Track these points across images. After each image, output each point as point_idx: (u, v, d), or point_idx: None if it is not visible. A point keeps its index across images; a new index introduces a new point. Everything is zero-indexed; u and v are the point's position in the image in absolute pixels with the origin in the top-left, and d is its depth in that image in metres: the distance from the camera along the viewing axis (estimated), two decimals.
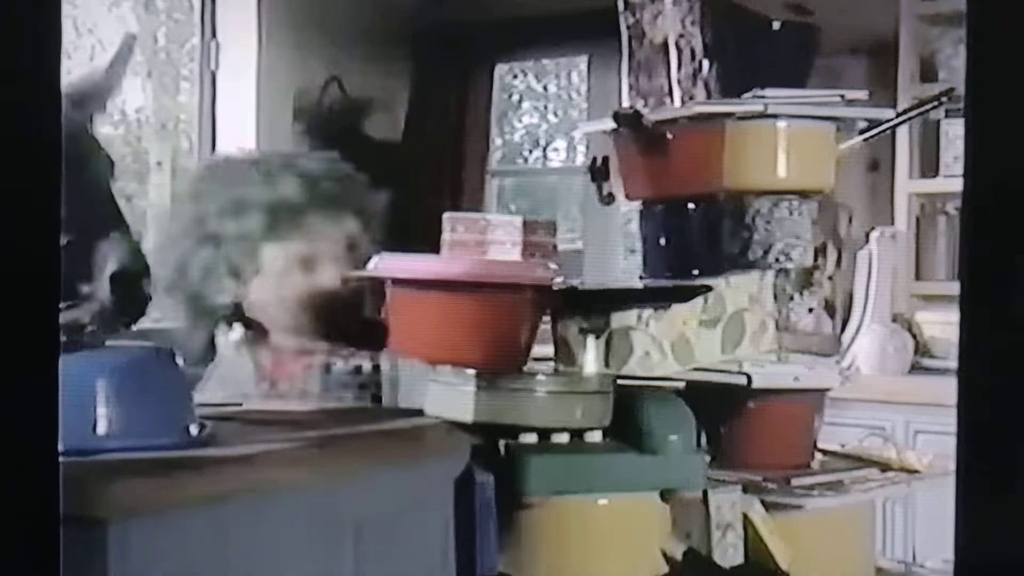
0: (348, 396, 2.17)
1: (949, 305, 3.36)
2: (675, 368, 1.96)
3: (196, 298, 2.32)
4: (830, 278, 2.11)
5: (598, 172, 2.26)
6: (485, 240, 1.92)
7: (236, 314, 2.34)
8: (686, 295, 1.96)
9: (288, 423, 1.74)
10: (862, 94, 2.14)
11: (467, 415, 1.79)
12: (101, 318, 1.47)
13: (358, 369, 2.24)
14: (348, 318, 2.29)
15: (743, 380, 1.94)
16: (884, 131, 2.23)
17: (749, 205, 2.07)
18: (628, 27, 2.15)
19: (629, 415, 1.86)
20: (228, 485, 1.40)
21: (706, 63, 2.11)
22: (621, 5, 2.16)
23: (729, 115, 2.02)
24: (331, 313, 2.29)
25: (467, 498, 1.73)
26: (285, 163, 2.36)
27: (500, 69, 5.10)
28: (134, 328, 1.55)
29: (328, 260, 2.29)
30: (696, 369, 1.97)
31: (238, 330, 2.38)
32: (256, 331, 2.37)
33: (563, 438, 1.83)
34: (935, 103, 2.36)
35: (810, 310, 2.08)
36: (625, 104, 2.17)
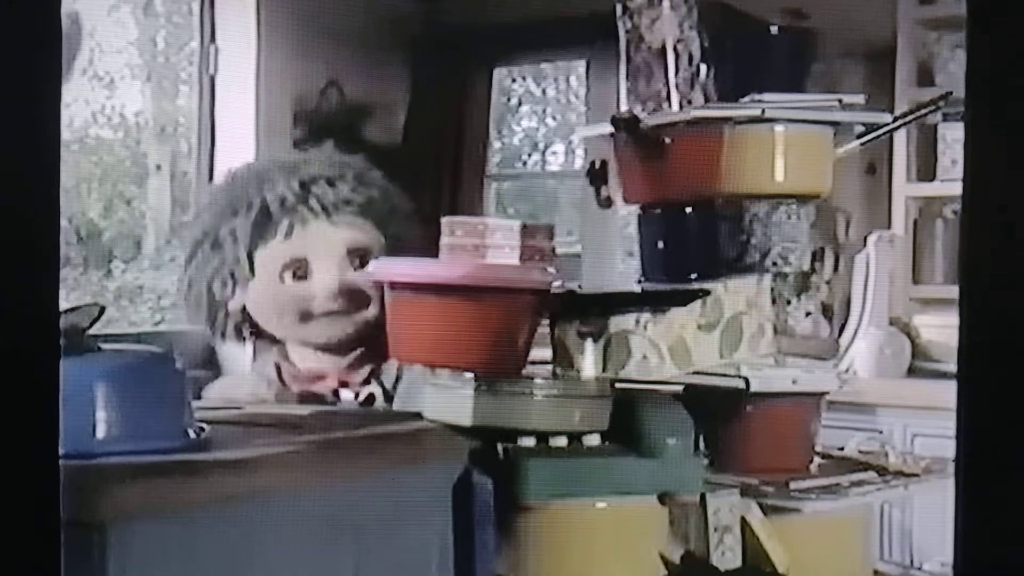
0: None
1: (947, 308, 3.36)
2: (673, 372, 1.96)
3: (205, 301, 2.31)
4: (827, 282, 2.11)
5: (597, 176, 2.26)
6: (483, 244, 1.91)
7: (244, 320, 2.33)
8: (684, 299, 1.97)
9: (286, 426, 1.74)
10: (859, 98, 2.14)
11: (466, 418, 1.79)
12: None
13: (368, 400, 2.22)
14: (339, 329, 2.26)
15: (741, 384, 1.94)
16: (881, 135, 2.23)
17: (747, 209, 2.07)
18: (626, 31, 2.16)
19: (627, 419, 1.86)
20: (227, 488, 1.40)
21: (704, 67, 2.11)
22: (619, 10, 2.16)
23: (727, 119, 2.03)
24: (321, 323, 2.26)
25: (465, 501, 1.73)
26: (290, 166, 2.33)
27: (499, 73, 5.10)
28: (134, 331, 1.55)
29: (322, 267, 2.26)
30: (694, 373, 1.97)
31: (250, 343, 2.37)
32: (269, 342, 2.35)
33: (561, 441, 1.83)
34: (932, 107, 2.37)
35: (808, 314, 2.08)
36: (623, 108, 2.18)
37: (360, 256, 2.26)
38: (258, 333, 2.35)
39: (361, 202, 2.27)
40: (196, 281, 2.30)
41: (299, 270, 2.26)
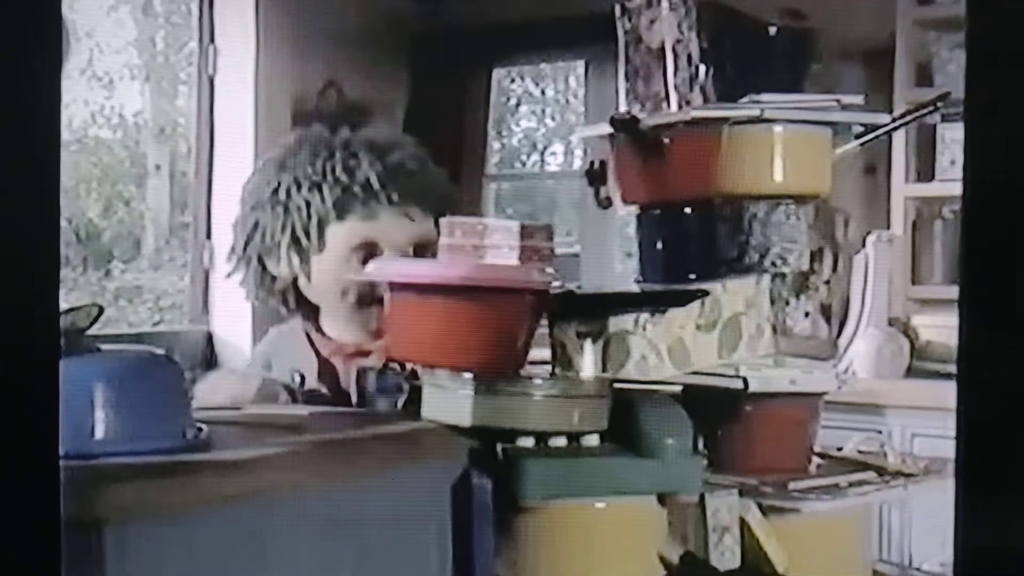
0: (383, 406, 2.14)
1: (945, 309, 3.37)
2: (672, 372, 1.96)
3: (260, 266, 2.33)
4: (826, 282, 2.11)
5: (595, 176, 2.26)
6: (482, 244, 1.91)
7: (294, 292, 2.34)
8: (683, 299, 1.97)
9: (285, 427, 1.74)
10: (858, 99, 2.14)
11: (464, 419, 1.79)
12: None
13: (399, 387, 2.20)
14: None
15: (740, 384, 1.94)
16: (880, 135, 2.23)
17: (745, 209, 2.07)
18: (625, 32, 2.16)
19: (626, 419, 1.86)
20: (225, 489, 1.40)
21: (703, 68, 2.11)
22: (618, 10, 2.16)
23: (725, 120, 2.03)
24: (375, 309, 2.23)
25: (464, 502, 1.73)
26: (378, 147, 2.34)
27: (498, 73, 5.11)
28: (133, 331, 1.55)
29: (391, 253, 2.27)
30: (693, 373, 1.97)
31: (295, 317, 2.38)
32: (312, 315, 2.36)
33: (560, 442, 1.83)
34: (931, 107, 2.37)
35: (806, 314, 2.09)
36: (622, 109, 2.18)
37: (421, 251, 2.28)
38: (296, 304, 2.37)
39: (429, 196, 2.31)
40: (251, 244, 2.32)
41: (369, 254, 2.27)
